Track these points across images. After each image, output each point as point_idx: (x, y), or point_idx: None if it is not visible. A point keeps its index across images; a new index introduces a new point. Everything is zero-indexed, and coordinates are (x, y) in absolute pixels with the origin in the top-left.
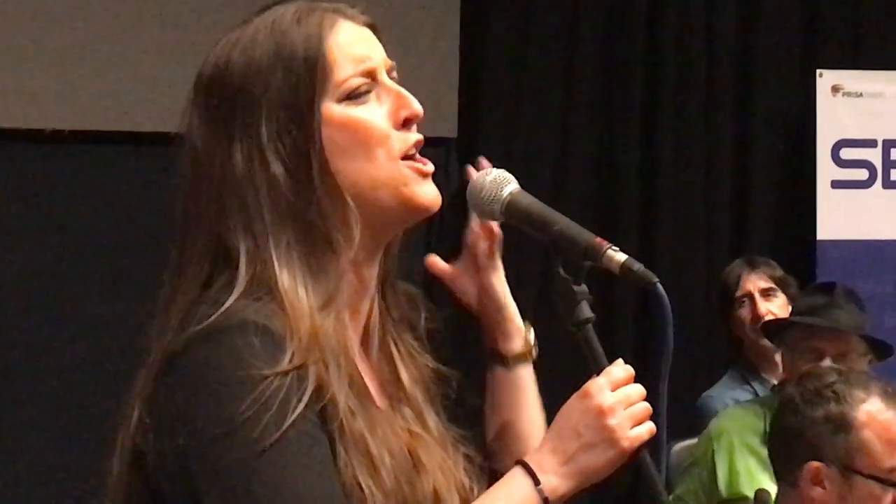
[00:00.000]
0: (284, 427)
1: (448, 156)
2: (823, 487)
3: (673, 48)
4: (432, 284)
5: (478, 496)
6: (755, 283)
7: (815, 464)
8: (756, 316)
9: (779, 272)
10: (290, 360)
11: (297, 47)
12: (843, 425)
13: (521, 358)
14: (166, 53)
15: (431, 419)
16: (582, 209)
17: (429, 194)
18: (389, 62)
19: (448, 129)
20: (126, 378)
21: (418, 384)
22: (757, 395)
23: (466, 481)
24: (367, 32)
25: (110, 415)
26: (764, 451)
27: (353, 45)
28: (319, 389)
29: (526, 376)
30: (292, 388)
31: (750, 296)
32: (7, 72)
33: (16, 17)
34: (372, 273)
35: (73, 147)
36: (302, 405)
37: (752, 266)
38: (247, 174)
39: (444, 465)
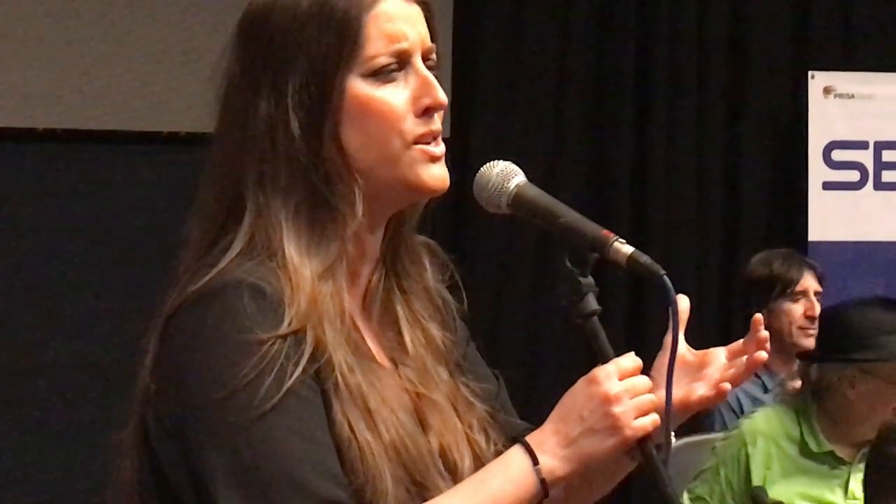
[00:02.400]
0: (282, 393)
1: None
2: None
3: (665, 50)
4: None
5: (495, 452)
6: (813, 284)
7: None
8: (812, 315)
9: (820, 272)
10: (289, 325)
11: (336, 12)
12: None
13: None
14: (159, 53)
15: (441, 381)
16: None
17: (434, 176)
18: (429, 45)
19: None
20: (119, 375)
21: (427, 348)
22: (766, 387)
23: (481, 440)
24: (415, 10)
25: (104, 413)
26: (800, 461)
27: (391, 22)
28: (316, 351)
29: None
30: (290, 353)
31: (807, 293)
32: None
33: (6, 16)
34: (374, 242)
35: (65, 146)
36: (300, 369)
37: (810, 266)
38: (269, 127)
39: (452, 423)
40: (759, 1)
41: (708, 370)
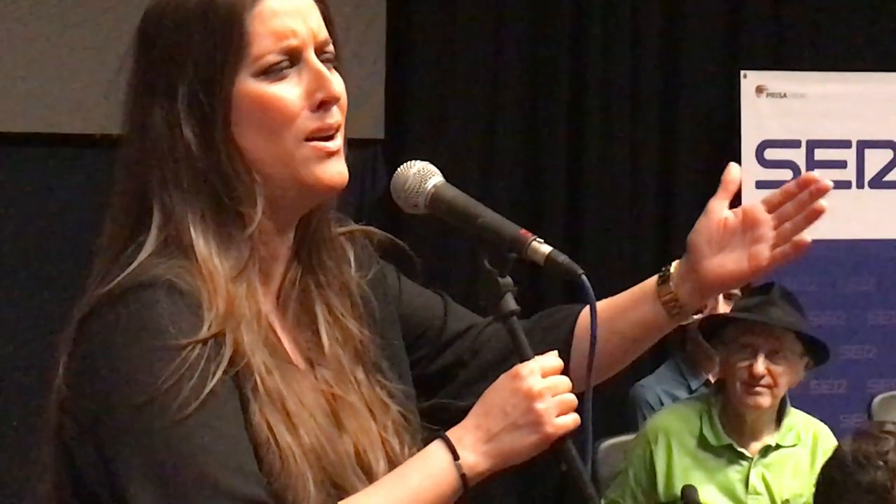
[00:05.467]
0: (202, 398)
1: (375, 157)
2: None
3: (598, 49)
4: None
5: (408, 455)
6: None
7: None
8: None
9: None
10: (209, 328)
11: (219, 13)
12: (884, 498)
13: (675, 318)
14: (87, 55)
15: (357, 380)
16: (509, 208)
17: (330, 172)
18: (322, 38)
19: (375, 130)
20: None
21: (344, 346)
22: (690, 389)
23: (395, 442)
24: (303, 3)
25: (32, 416)
26: (698, 454)
27: (278, 18)
28: (235, 354)
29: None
30: (210, 358)
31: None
32: None
33: None
34: (284, 242)
35: None
36: (219, 374)
37: None
38: (165, 134)
39: (367, 426)
40: (690, 1)
41: (758, 230)
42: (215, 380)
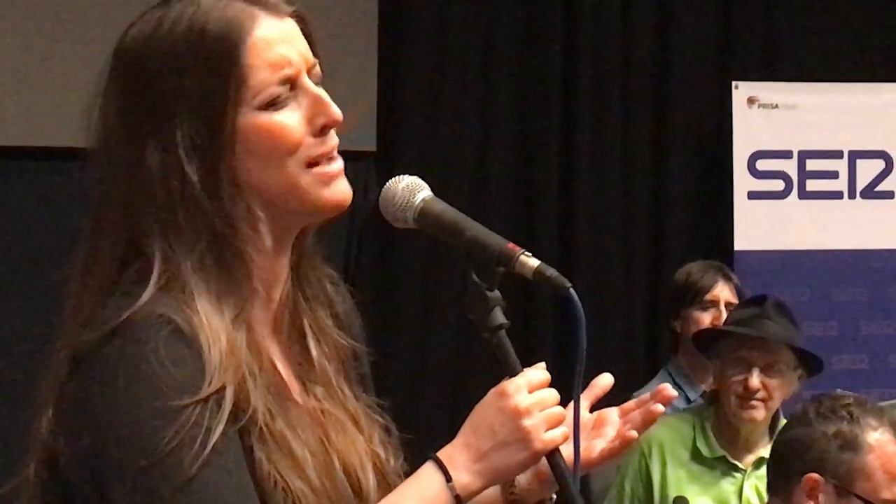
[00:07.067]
0: (206, 455)
1: (367, 170)
2: (817, 501)
3: (589, 61)
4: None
5: (394, 466)
6: (727, 294)
7: (815, 476)
8: (718, 325)
9: (738, 286)
10: (209, 384)
11: (213, 50)
12: (852, 445)
13: None
14: (69, 67)
15: (343, 393)
16: (500, 221)
17: (337, 193)
18: (312, 60)
19: (367, 143)
20: (31, 393)
21: (330, 359)
22: (688, 399)
23: (381, 452)
24: (290, 26)
25: (15, 430)
26: (691, 466)
27: (272, 47)
28: (237, 406)
29: None
30: (212, 414)
31: (717, 303)
32: None
33: None
34: (283, 262)
35: None
36: (220, 429)
37: (726, 277)
38: (162, 177)
39: (355, 439)
40: (682, 12)
41: (603, 429)
42: (216, 436)
